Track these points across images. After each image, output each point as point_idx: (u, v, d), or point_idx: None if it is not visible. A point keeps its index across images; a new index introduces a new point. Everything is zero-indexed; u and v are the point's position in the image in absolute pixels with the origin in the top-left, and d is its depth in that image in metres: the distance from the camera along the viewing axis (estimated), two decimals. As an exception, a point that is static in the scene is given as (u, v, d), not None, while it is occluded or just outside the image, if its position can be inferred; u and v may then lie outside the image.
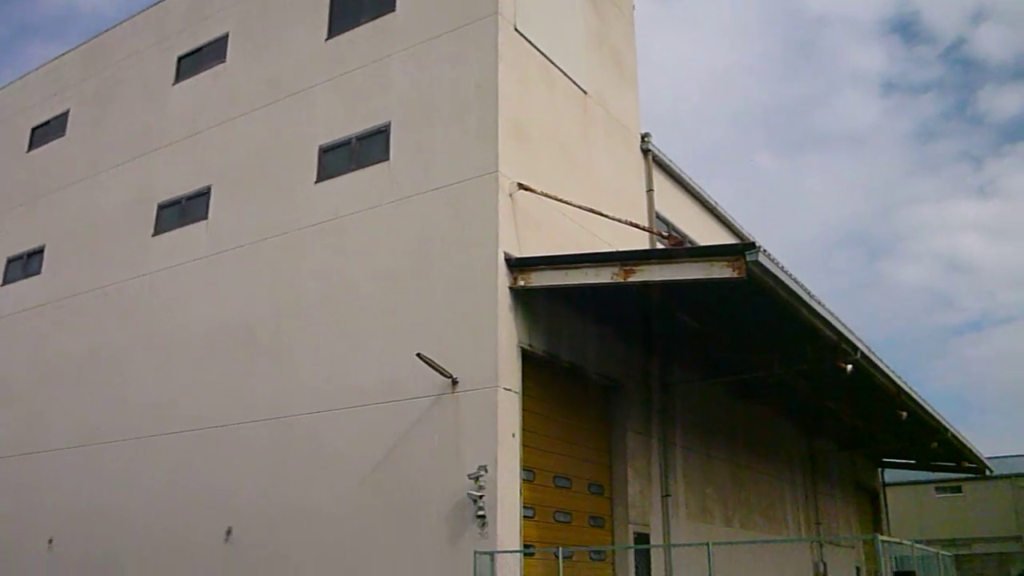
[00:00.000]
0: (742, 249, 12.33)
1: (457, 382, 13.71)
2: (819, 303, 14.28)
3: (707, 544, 11.82)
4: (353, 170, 16.44)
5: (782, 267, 13.10)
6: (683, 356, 18.78)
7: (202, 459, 16.68)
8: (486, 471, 12.96)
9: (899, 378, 18.65)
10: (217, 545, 15.78)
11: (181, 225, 19.18)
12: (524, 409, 13.97)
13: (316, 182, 16.92)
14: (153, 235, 19.69)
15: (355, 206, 16.10)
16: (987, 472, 31.78)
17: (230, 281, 17.62)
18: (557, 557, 12.64)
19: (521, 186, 14.78)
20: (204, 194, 19.00)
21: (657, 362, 18.31)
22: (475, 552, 12.63)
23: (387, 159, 15.97)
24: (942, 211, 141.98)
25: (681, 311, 15.74)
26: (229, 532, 15.70)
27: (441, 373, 13.74)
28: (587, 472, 16.05)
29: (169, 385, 17.87)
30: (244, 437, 16.15)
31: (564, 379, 15.72)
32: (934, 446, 25.35)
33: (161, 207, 19.87)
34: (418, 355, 13.70)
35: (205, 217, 18.71)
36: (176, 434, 17.27)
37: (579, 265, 13.88)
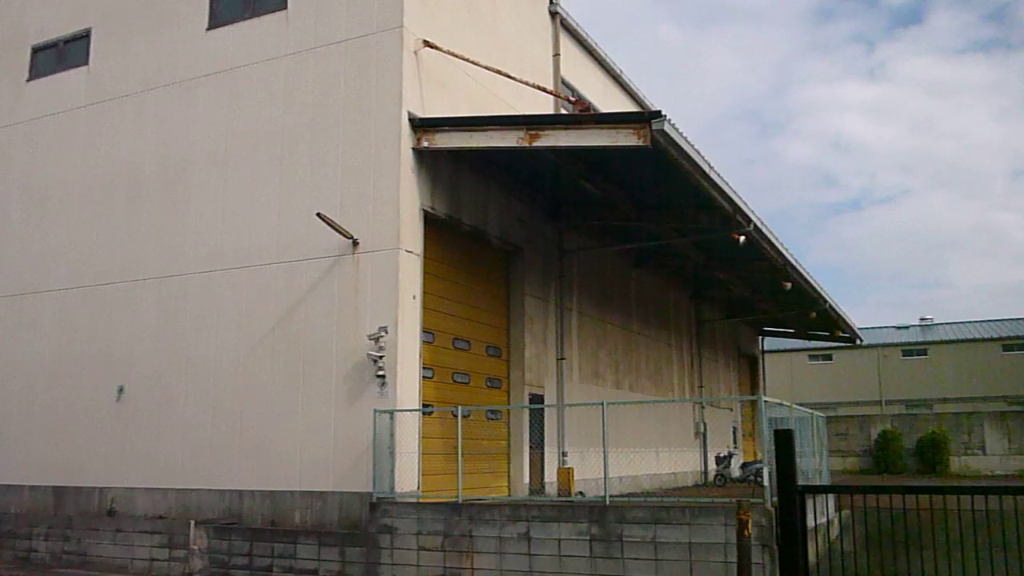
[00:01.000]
0: (648, 117, 12.36)
1: (358, 243, 13.55)
2: (719, 175, 14.52)
3: (602, 404, 12.29)
4: (248, 18, 15.54)
5: (685, 138, 13.18)
6: (583, 223, 18.98)
7: (88, 317, 16.18)
8: (386, 332, 13.01)
9: (787, 250, 19.37)
10: (109, 404, 15.54)
11: (59, 71, 17.90)
12: (425, 272, 13.98)
13: (208, 29, 15.95)
14: (27, 80, 18.34)
15: (250, 57, 15.30)
16: (857, 342, 33.81)
17: (114, 132, 16.69)
18: (455, 416, 12.93)
19: (426, 43, 14.29)
20: (83, 37, 17.68)
21: (557, 228, 18.46)
22: (375, 411, 12.81)
23: (284, 7, 15.13)
24: (832, 92, 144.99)
25: (584, 178, 15.78)
26: (121, 390, 15.44)
27: (341, 234, 13.53)
28: (485, 335, 16.30)
29: (49, 240, 17.07)
30: (133, 295, 15.69)
31: (465, 243, 15.72)
32: (812, 316, 26.71)
33: (35, 50, 18.44)
34: (318, 215, 13.42)
35: (86, 63, 17.48)
36: (58, 291, 16.62)
37: (485, 127, 13.66)
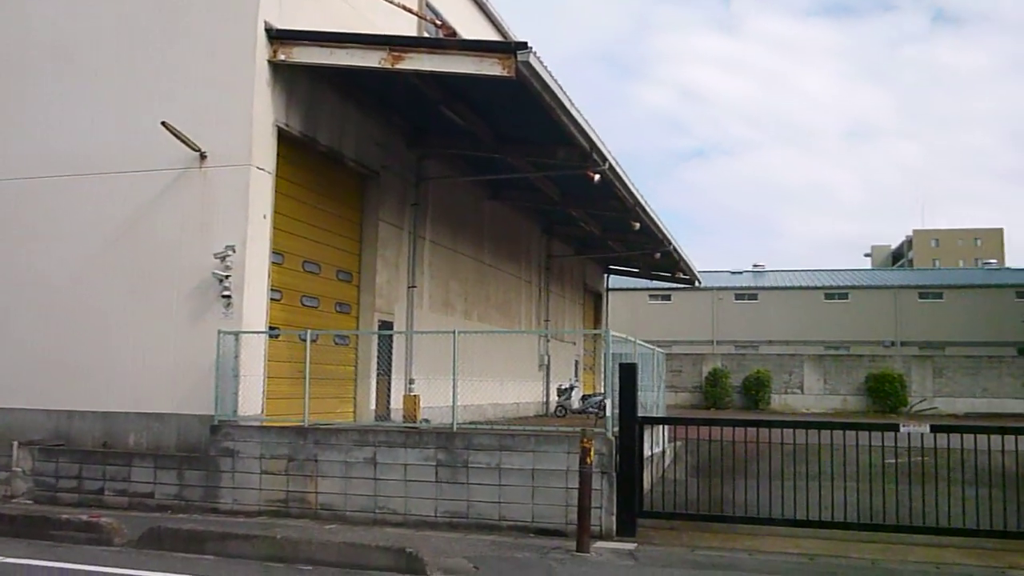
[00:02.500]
0: (514, 48, 12.28)
1: (206, 156, 12.92)
2: (579, 112, 14.65)
3: (453, 332, 12.36)
4: (90, -99, 14.28)
5: (549, 72, 13.18)
6: (442, 151, 18.78)
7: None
8: (233, 251, 12.56)
9: (638, 192, 19.88)
10: (-78, 314, 14.34)
11: None
12: (277, 191, 13.52)
13: (42, -91, 14.57)
14: None
15: (92, -55, 14.12)
16: (696, 284, 35.37)
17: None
18: (303, 340, 12.69)
19: (288, -51, 13.58)
20: None
21: (416, 155, 18.21)
22: (219, 332, 12.40)
23: None
24: (687, 41, 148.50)
25: (446, 105, 15.56)
26: (-62, 301, 14.28)
27: (188, 145, 12.86)
28: (337, 259, 16.00)
29: None
30: (-48, 198, 14.43)
31: (320, 163, 15.27)
32: (657, 257, 27.67)
33: None
34: (163, 124, 12.68)
35: None
36: None
37: (346, 45, 13.18)
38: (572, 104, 14.27)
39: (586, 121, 15.17)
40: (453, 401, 12.04)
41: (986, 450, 11.27)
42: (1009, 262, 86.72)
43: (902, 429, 11.46)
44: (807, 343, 52.88)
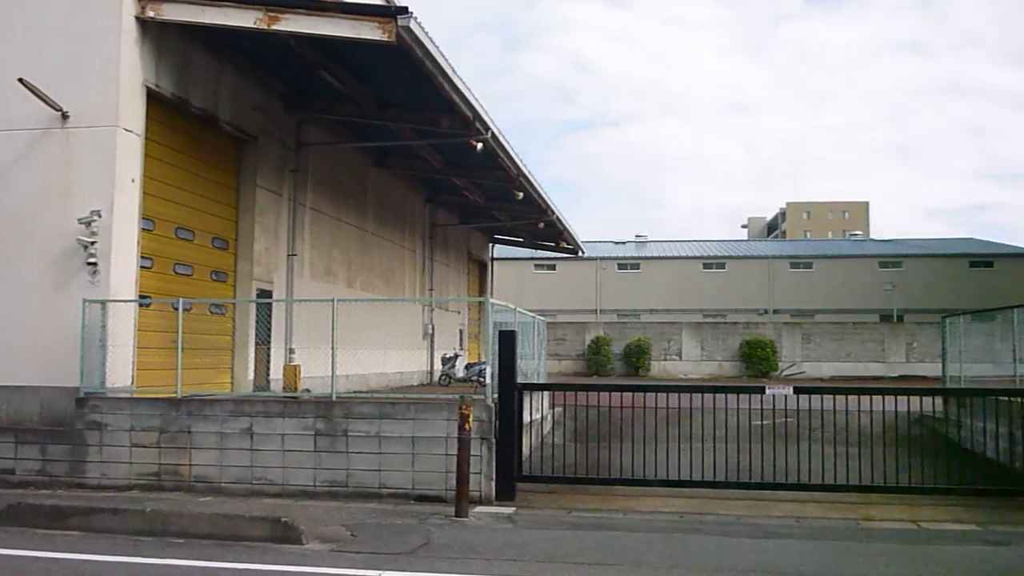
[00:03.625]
0: (395, 12, 12.11)
1: (68, 116, 12.29)
2: (461, 80, 14.58)
3: (332, 300, 12.21)
4: None
5: (431, 38, 13.05)
6: (323, 117, 18.39)
7: None
8: (100, 216, 12.02)
9: (521, 161, 19.98)
10: None
11: None
12: (147, 154, 13.00)
13: None
14: None
15: None
16: (580, 254, 35.92)
17: None
18: (175, 308, 12.30)
19: (156, -100, 12.94)
20: None
21: (296, 120, 17.77)
22: (84, 301, 11.88)
23: None
24: (576, 11, 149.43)
25: (326, 69, 15.23)
26: None
27: (49, 104, 12.20)
28: (212, 226, 15.52)
29: None
30: None
31: (194, 126, 14.74)
32: (541, 227, 27.93)
33: None
34: (21, 81, 11.98)
35: None
36: None
37: (218, 3, 12.66)
38: (454, 71, 14.20)
39: (468, 89, 15.12)
40: (332, 370, 11.92)
41: (846, 410, 11.93)
42: (874, 233, 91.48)
43: (767, 391, 12.00)
44: (686, 311, 54.49)
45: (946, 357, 16.93)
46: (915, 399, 13.27)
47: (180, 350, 12.13)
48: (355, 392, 14.06)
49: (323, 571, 7.51)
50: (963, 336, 16.48)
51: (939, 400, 16.10)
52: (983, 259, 58.57)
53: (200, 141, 15.01)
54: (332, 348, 11.92)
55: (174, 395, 11.96)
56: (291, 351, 16.93)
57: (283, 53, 14.91)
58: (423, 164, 21.80)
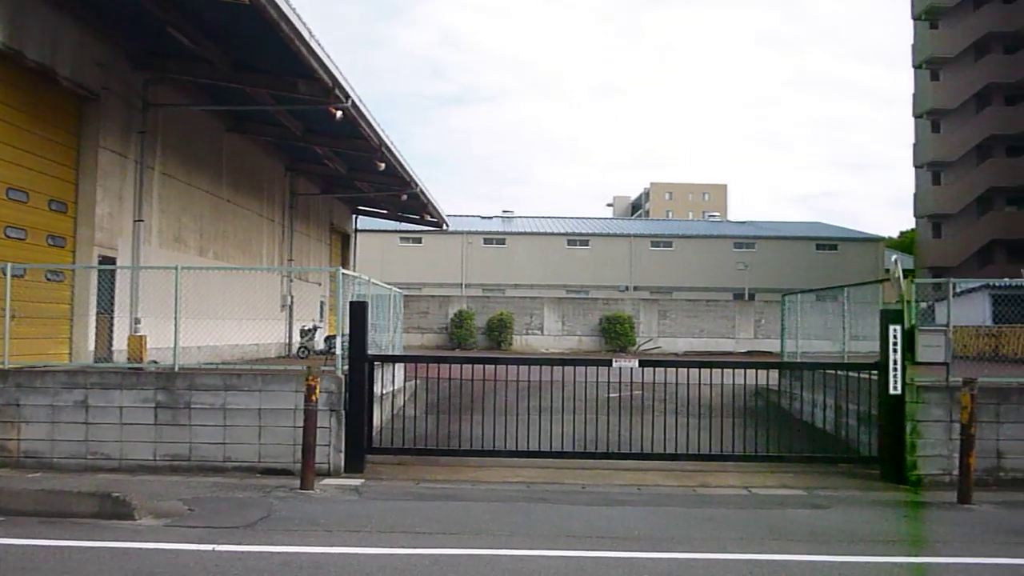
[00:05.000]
0: (247, -31, 11.69)
1: None
2: (320, 45, 14.25)
3: (176, 267, 11.76)
4: None
5: (288, 1, 12.68)
6: (173, 77, 17.59)
7: None
8: (-82, 174, 11.15)
9: (383, 131, 19.73)
10: None
11: None
12: (-26, 109, 12.12)
13: None
14: None
15: None
16: (444, 227, 35.85)
17: None
18: (4, 274, 11.56)
19: None
20: None
21: (144, 79, 16.93)
22: None
23: None
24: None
25: (175, 27, 14.56)
26: None
27: None
28: (49, 187, 14.64)
29: None
30: None
31: (29, 81, 13.84)
32: (404, 199, 27.71)
33: None
34: None
35: None
36: None
37: (56, -51, 11.94)
38: (312, 36, 13.85)
39: (328, 56, 14.80)
40: (175, 340, 11.51)
41: (687, 383, 12.40)
42: (731, 215, 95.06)
43: (614, 364, 12.34)
44: (550, 287, 55.31)
45: (784, 333, 17.81)
46: (755, 373, 13.94)
47: (7, 318, 11.43)
48: (203, 363, 13.62)
49: (153, 546, 7.26)
50: (801, 314, 17.35)
51: (776, 373, 16.98)
52: (829, 242, 61.86)
53: (37, 97, 14.11)
54: (175, 318, 11.50)
55: (1, 366, 11.28)
56: (137, 321, 16.24)
57: (130, 7, 14.18)
58: (282, 131, 21.22)
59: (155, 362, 14.71)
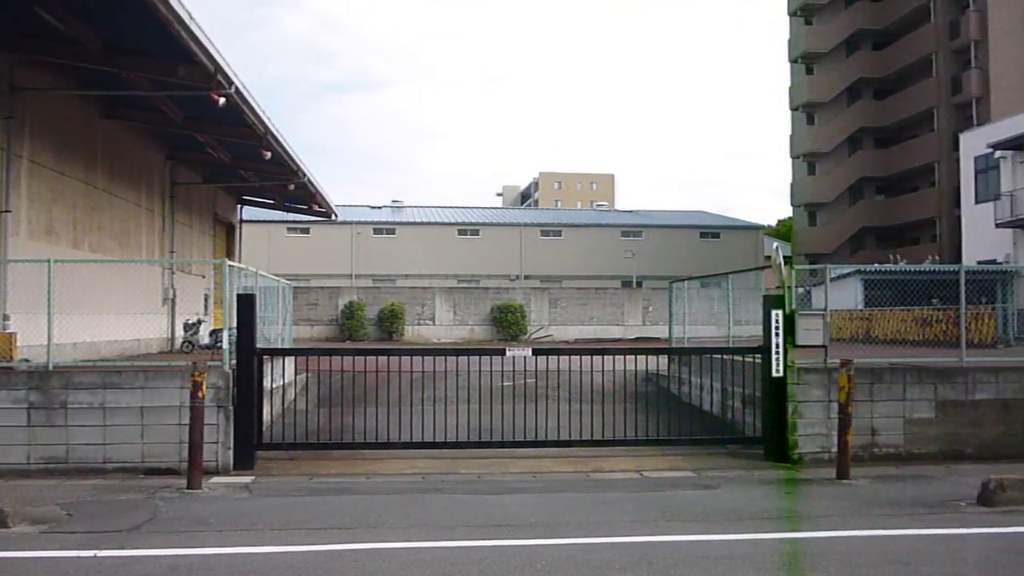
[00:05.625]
0: (120, -54, 11.15)
1: None
2: (201, 28, 13.73)
3: (48, 261, 11.18)
4: None
5: (165, -20, 12.16)
6: (41, 59, 16.64)
7: None
8: None
9: (268, 119, 19.19)
10: None
11: None
12: None
13: None
14: None
15: None
16: (333, 217, 35.23)
17: None
18: None
19: None
20: None
21: (8, 62, 15.97)
22: None
23: None
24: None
25: (41, 6, 13.77)
26: None
27: None
28: (-95, 176, 13.68)
29: None
30: None
31: None
32: (291, 188, 27.06)
33: None
34: None
35: None
36: None
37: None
38: (192, 19, 13.32)
39: (209, 39, 14.26)
40: (48, 337, 10.96)
41: (580, 370, 12.58)
42: (618, 205, 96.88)
43: (508, 353, 12.39)
44: (442, 276, 55.18)
45: (672, 320, 18.26)
46: (645, 359, 14.25)
47: None
48: (80, 361, 12.99)
49: (29, 555, 6.89)
50: (688, 300, 17.83)
51: (665, 359, 17.40)
52: (712, 230, 63.74)
53: None
54: (48, 314, 10.96)
55: None
56: (5, 318, 15.34)
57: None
58: (161, 117, 20.37)
59: (27, 360, 13.95)
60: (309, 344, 33.13)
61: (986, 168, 38.10)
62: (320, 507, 8.88)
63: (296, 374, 16.03)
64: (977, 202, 38.75)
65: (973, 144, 39.12)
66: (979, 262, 35.38)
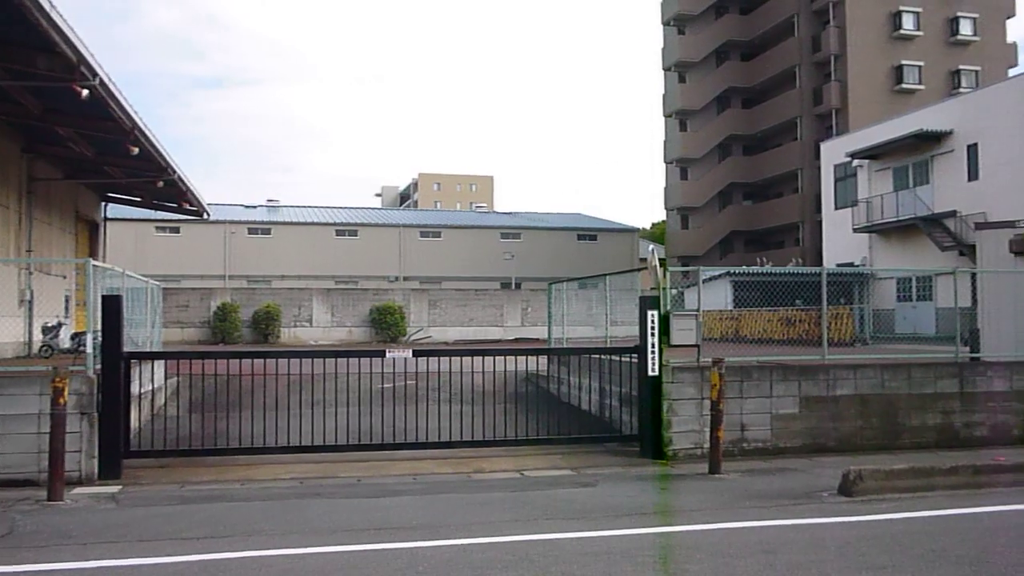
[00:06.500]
0: (-25, -72, 10.50)
1: None
2: (62, 17, 13.07)
3: None
4: None
5: (23, -36, 11.51)
6: None
7: None
8: None
9: (136, 113, 18.41)
10: None
11: None
12: None
13: None
14: None
15: None
16: (205, 216, 34.08)
17: None
18: None
19: None
20: None
21: None
22: None
23: None
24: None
25: None
26: None
27: None
28: None
29: None
30: None
31: None
32: (160, 186, 26.03)
33: None
34: None
35: None
36: None
37: None
38: (53, 6, 12.67)
39: (72, 28, 13.58)
40: None
41: (460, 371, 12.57)
42: (497, 207, 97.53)
43: (388, 355, 12.28)
44: (320, 277, 54.20)
45: (551, 320, 18.49)
46: (525, 360, 14.38)
47: None
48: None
49: None
50: (566, 301, 18.08)
51: (545, 359, 17.61)
52: (589, 233, 64.87)
53: None
54: None
55: None
56: None
57: None
58: (18, 109, 19.24)
59: None
60: (180, 347, 31.94)
61: (845, 176, 40.21)
62: (192, 516, 8.57)
63: (167, 378, 15.45)
64: (837, 208, 40.82)
65: (833, 153, 41.22)
66: (838, 265, 37.32)
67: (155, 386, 14.34)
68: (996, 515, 8.56)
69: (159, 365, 14.82)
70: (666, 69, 63.18)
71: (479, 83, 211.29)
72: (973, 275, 16.59)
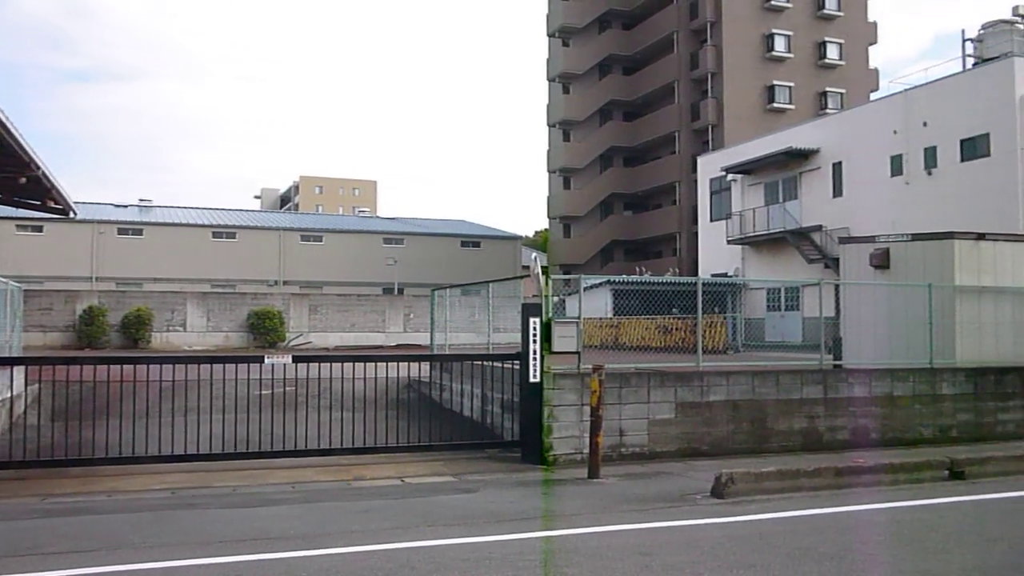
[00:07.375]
0: None
1: None
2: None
3: None
4: None
5: None
6: None
7: None
8: None
9: (-2, 104, 17.44)
10: None
11: None
12: None
13: None
14: None
15: None
16: (72, 215, 32.48)
17: None
18: None
19: None
20: None
21: None
22: None
23: None
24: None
25: None
26: None
27: None
28: None
29: None
30: None
31: None
32: (23, 182, 24.69)
33: None
34: None
35: None
36: None
37: None
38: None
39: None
40: None
41: (341, 377, 12.40)
42: (381, 212, 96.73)
43: (266, 361, 12.00)
44: (195, 281, 52.45)
45: (434, 327, 18.45)
46: (408, 366, 14.29)
47: None
48: None
49: None
50: (449, 308, 18.08)
51: (427, 365, 17.54)
52: (472, 239, 65.07)
53: None
54: None
55: None
56: None
57: None
58: None
59: None
60: (42, 352, 30.30)
61: (720, 189, 41.72)
62: (54, 530, 8.14)
63: (27, 385, 14.64)
64: (712, 220, 42.31)
65: (709, 167, 42.73)
66: (713, 275, 38.66)
67: (14, 393, 13.58)
68: (855, 514, 9.03)
69: (18, 371, 14.03)
70: (551, 80, 64.12)
71: (364, 88, 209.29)
72: (837, 287, 17.46)
